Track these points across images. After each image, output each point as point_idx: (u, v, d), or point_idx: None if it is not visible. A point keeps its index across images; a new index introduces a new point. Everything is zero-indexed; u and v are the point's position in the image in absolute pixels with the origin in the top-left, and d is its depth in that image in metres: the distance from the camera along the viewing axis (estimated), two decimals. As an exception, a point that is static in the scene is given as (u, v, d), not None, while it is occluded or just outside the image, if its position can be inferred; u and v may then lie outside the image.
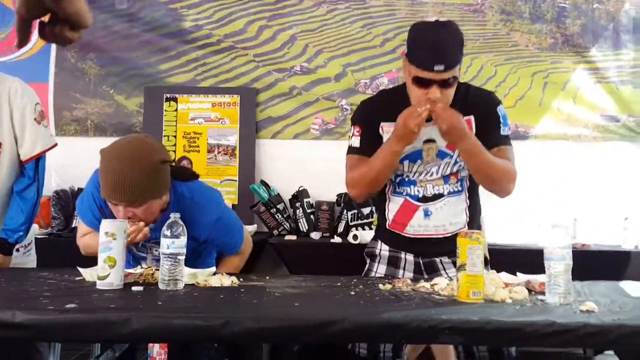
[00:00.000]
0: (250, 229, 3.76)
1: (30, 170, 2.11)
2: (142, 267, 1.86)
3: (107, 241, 1.64)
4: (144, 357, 3.38)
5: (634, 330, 1.30)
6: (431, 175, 1.88)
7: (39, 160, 2.12)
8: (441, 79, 1.73)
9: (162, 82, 4.06)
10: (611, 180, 3.66)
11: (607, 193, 3.64)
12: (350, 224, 3.70)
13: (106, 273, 1.63)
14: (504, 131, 1.89)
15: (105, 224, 1.66)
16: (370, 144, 1.88)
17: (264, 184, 3.90)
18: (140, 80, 4.08)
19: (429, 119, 1.79)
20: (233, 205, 3.91)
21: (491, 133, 1.86)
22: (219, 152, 3.99)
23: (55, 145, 2.21)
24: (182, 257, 1.65)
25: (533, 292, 1.65)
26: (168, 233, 1.64)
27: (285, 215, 3.83)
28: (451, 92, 1.80)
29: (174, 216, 1.66)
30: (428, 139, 1.86)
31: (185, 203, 1.86)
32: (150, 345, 3.32)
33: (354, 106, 3.78)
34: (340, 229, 3.75)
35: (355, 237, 3.44)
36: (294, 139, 4.01)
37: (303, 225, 3.80)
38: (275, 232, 3.79)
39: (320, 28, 3.99)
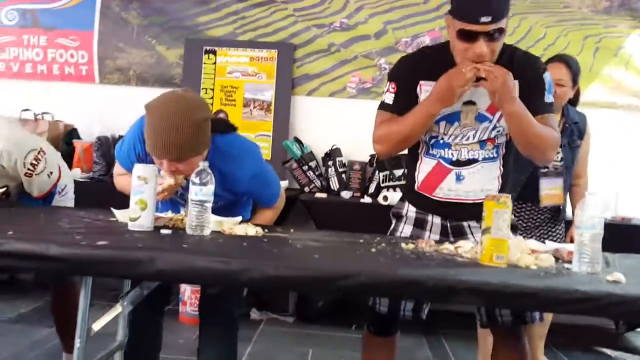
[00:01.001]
0: (282, 184, 3.77)
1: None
2: (173, 213, 1.90)
3: (139, 185, 1.68)
4: (175, 300, 3.52)
5: (659, 303, 1.26)
6: (467, 139, 1.83)
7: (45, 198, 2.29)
8: (487, 31, 1.67)
9: (202, 35, 4.07)
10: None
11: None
12: (382, 185, 3.69)
13: (137, 215, 1.67)
14: (547, 98, 1.82)
15: (138, 168, 1.70)
16: (404, 102, 1.83)
17: (298, 140, 3.91)
18: (181, 31, 4.10)
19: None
20: (266, 160, 3.94)
21: (536, 100, 1.79)
22: (254, 107, 4.00)
23: (57, 181, 2.30)
24: (209, 204, 1.68)
25: (561, 261, 1.62)
26: (197, 180, 1.66)
27: (317, 173, 3.84)
28: (498, 46, 1.72)
29: (203, 164, 1.68)
30: (468, 100, 1.81)
31: (223, 156, 1.87)
32: (182, 290, 3.45)
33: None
34: (371, 189, 3.75)
35: (385, 198, 3.43)
36: (329, 97, 3.99)
37: (334, 184, 3.81)
38: (306, 189, 3.82)
39: (362, -17, 3.90)
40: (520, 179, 2.72)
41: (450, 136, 1.83)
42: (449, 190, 1.86)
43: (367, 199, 3.61)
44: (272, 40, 4.00)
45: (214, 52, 4.03)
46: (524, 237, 2.30)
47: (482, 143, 1.83)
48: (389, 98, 1.87)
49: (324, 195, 3.71)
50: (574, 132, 2.76)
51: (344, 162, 3.86)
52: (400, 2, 3.85)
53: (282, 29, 4.00)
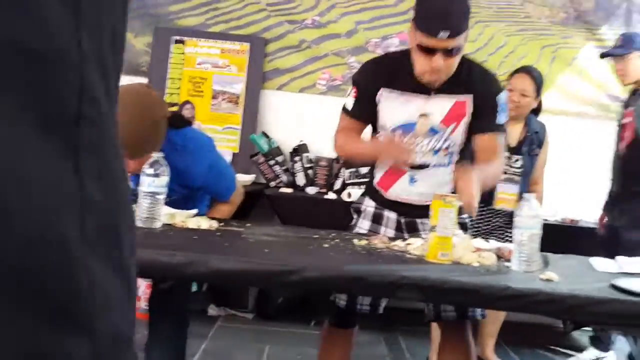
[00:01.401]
0: (248, 178, 3.82)
1: None
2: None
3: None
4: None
5: (587, 300, 1.34)
6: (421, 147, 1.89)
7: None
8: (445, 47, 1.73)
9: (172, 24, 4.05)
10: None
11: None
12: (347, 182, 3.74)
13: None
14: (499, 120, 1.88)
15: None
16: (363, 108, 1.90)
17: (265, 135, 3.93)
18: (150, 19, 4.06)
19: (439, 88, 1.82)
20: (233, 153, 3.96)
21: (486, 118, 1.86)
22: (223, 99, 4.01)
23: None
24: (162, 197, 1.69)
25: (502, 259, 1.69)
26: (150, 171, 1.67)
27: (283, 168, 3.87)
28: (454, 62, 1.79)
29: (157, 155, 1.70)
30: (423, 113, 1.87)
31: (178, 151, 1.88)
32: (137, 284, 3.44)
33: (362, 65, 3.77)
34: (337, 186, 3.79)
35: (349, 194, 3.48)
36: (299, 93, 4.01)
37: (300, 180, 3.84)
38: (272, 183, 3.84)
39: (334, -19, 3.94)
40: None
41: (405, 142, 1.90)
42: (401, 190, 1.92)
43: (331, 195, 3.65)
44: (244, 33, 4.01)
45: (183, 42, 4.02)
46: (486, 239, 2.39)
47: (435, 151, 1.90)
48: (349, 103, 1.95)
49: (289, 190, 3.74)
50: (533, 141, 2.87)
51: (311, 158, 3.89)
52: (371, 3, 3.90)
53: (254, 23, 4.00)
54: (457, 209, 1.60)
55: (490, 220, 2.86)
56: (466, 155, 1.94)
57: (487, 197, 2.80)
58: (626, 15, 3.77)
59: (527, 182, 2.86)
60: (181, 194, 1.94)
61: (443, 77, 1.80)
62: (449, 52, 1.75)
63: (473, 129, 1.87)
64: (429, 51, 1.75)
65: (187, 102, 4.01)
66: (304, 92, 4.01)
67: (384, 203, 1.99)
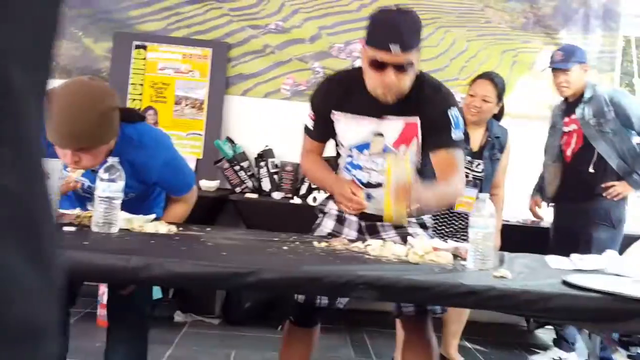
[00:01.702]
0: (213, 184, 3.79)
1: None
2: (80, 210, 1.87)
3: (43, 179, 1.65)
4: (94, 303, 3.44)
5: (538, 296, 1.37)
6: (377, 166, 1.91)
7: None
8: (397, 62, 1.73)
9: (132, 29, 4.01)
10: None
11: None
12: (313, 186, 3.75)
13: (40, 211, 1.64)
14: (454, 134, 1.87)
15: (43, 163, 1.67)
16: (321, 129, 1.97)
17: (230, 140, 3.91)
18: (110, 24, 4.01)
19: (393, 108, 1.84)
20: (197, 159, 3.93)
21: (439, 135, 1.86)
22: (186, 105, 3.97)
23: None
24: (118, 202, 1.67)
25: (459, 258, 1.72)
26: (105, 177, 1.65)
27: (249, 174, 3.85)
28: (406, 78, 1.78)
29: (112, 160, 1.67)
30: (377, 132, 1.89)
31: (134, 146, 1.85)
32: (100, 292, 3.38)
33: (327, 69, 3.79)
34: (303, 191, 3.80)
35: (314, 199, 3.48)
36: (264, 98, 4.01)
37: (266, 185, 3.83)
38: (237, 189, 3.82)
39: (297, -14, 3.96)
40: None
41: (362, 161, 1.94)
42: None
43: (297, 200, 3.65)
44: (206, 39, 3.99)
45: (145, 48, 3.98)
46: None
47: None
48: (309, 123, 2.00)
49: (254, 195, 3.73)
50: (495, 146, 2.93)
51: (276, 163, 3.89)
52: (334, 9, 3.93)
53: (216, 28, 3.99)
54: (408, 160, 1.64)
55: (452, 223, 2.91)
56: (426, 173, 1.93)
57: None
58: (584, 20, 3.89)
59: (488, 185, 2.92)
60: (137, 191, 1.91)
61: (394, 93, 1.79)
62: (400, 68, 1.75)
63: (428, 147, 1.87)
64: (380, 66, 1.75)
65: (149, 107, 3.97)
66: (268, 97, 4.00)
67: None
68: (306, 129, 2.02)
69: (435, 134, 1.86)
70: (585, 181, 3.11)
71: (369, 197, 1.90)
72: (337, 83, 1.97)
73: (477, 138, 2.91)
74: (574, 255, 1.82)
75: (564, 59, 3.07)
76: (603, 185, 3.08)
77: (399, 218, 1.71)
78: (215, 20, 3.98)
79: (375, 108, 1.84)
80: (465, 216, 2.87)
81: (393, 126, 1.87)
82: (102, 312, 3.33)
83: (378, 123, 1.87)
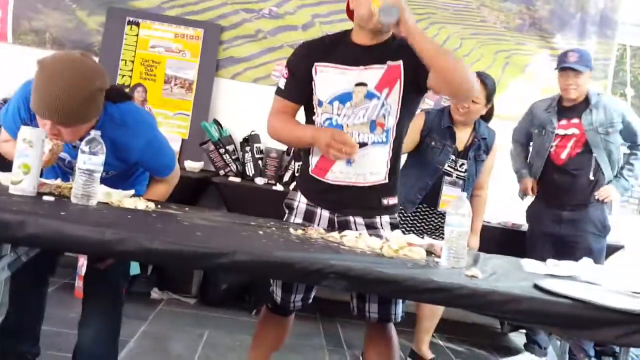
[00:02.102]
0: (197, 165, 3.78)
1: None
2: (62, 181, 1.86)
3: (23, 148, 1.64)
4: (73, 274, 3.43)
5: (505, 297, 1.38)
6: (358, 118, 1.89)
7: None
8: None
9: (126, 5, 3.96)
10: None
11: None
12: (297, 174, 3.74)
13: (19, 179, 1.63)
14: None
15: (24, 131, 1.65)
16: (296, 88, 1.93)
17: (217, 123, 3.89)
18: (104, -1, 3.97)
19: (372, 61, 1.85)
20: (183, 140, 3.91)
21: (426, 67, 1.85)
22: (175, 85, 3.95)
23: None
24: (98, 175, 1.66)
25: (434, 255, 1.73)
26: (86, 149, 1.64)
27: (233, 157, 3.85)
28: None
29: (94, 133, 1.66)
30: (359, 82, 1.89)
31: (115, 124, 1.84)
32: (79, 264, 3.37)
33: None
34: (286, 178, 3.80)
35: (294, 187, 3.48)
36: (253, 83, 3.99)
37: (250, 170, 3.83)
38: (221, 172, 3.81)
39: (294, -27, 3.93)
40: (427, 183, 2.86)
41: (343, 116, 1.89)
42: (339, 172, 1.92)
43: (279, 187, 3.65)
44: (199, 19, 3.95)
45: (137, 24, 3.93)
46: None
47: (372, 125, 1.89)
48: (281, 83, 1.97)
49: (237, 179, 3.72)
50: (481, 147, 2.93)
51: (261, 148, 3.88)
52: (329, -3, 3.91)
53: (210, 9, 3.96)
54: None
55: (432, 220, 2.92)
56: (403, 134, 1.95)
57: (433, 200, 2.87)
58: (580, 26, 3.90)
59: (470, 186, 2.93)
60: (117, 169, 1.90)
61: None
62: None
63: (424, 74, 1.83)
64: None
65: (138, 84, 3.94)
66: (257, 83, 3.99)
67: (316, 197, 1.97)
68: (277, 90, 1.98)
69: (422, 68, 1.83)
70: (582, 187, 3.11)
71: (349, 160, 1.89)
72: (317, 41, 2.01)
73: (463, 137, 2.92)
74: (549, 260, 1.84)
75: (579, 61, 3.04)
76: (596, 192, 3.11)
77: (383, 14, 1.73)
78: (209, 1, 3.95)
79: (358, 58, 1.86)
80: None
81: (375, 72, 1.87)
82: (80, 283, 3.33)
83: (360, 73, 1.87)
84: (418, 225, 2.90)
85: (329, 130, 1.84)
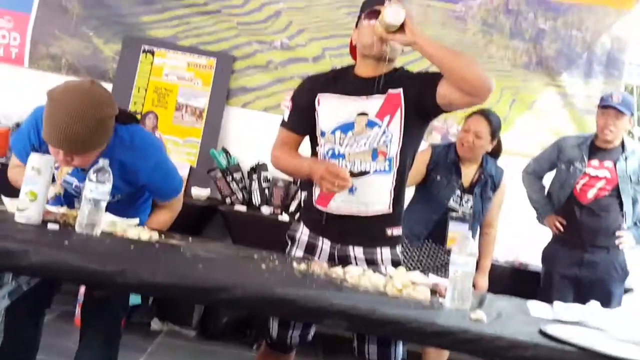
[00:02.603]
0: (204, 192, 3.79)
1: None
2: (67, 208, 1.87)
3: (32, 175, 1.65)
4: (73, 302, 3.41)
5: (511, 343, 1.35)
6: (360, 147, 1.89)
7: None
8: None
9: (143, 34, 4.04)
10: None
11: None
12: (303, 204, 3.73)
13: (25, 206, 1.64)
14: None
15: (33, 158, 1.67)
16: (299, 119, 1.97)
17: (225, 151, 3.91)
18: (121, 27, 4.04)
19: (369, 92, 1.87)
20: (191, 167, 3.93)
21: (430, 80, 1.85)
22: (186, 112, 3.99)
23: None
24: (104, 204, 1.67)
25: (438, 295, 1.71)
26: (93, 178, 1.65)
27: (240, 186, 3.85)
28: (397, 36, 1.80)
29: (103, 162, 1.67)
30: (361, 112, 1.90)
31: (125, 146, 1.86)
32: (80, 291, 3.35)
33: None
34: (292, 208, 3.79)
35: (297, 218, 3.47)
36: (263, 112, 4.02)
37: (256, 198, 3.83)
38: (227, 200, 3.82)
39: (306, 8, 4.00)
40: (432, 217, 2.83)
41: (345, 146, 1.90)
42: (342, 201, 1.91)
43: (285, 217, 3.64)
44: (213, 50, 4.01)
45: (152, 53, 4.00)
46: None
47: (374, 153, 1.89)
48: (285, 115, 2.01)
49: (243, 208, 3.72)
50: (487, 184, 2.90)
51: (268, 177, 3.89)
52: (340, 31, 3.96)
53: (223, 40, 4.02)
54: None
55: (439, 257, 2.88)
56: (407, 164, 1.95)
57: (441, 236, 2.82)
58: (587, 65, 3.91)
59: (477, 223, 2.90)
60: (124, 192, 1.91)
61: (388, 49, 1.84)
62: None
63: (431, 89, 1.83)
64: (375, 15, 1.82)
65: (150, 112, 3.98)
66: (267, 112, 4.02)
67: (319, 227, 1.97)
68: (282, 121, 2.02)
69: (428, 82, 1.86)
70: (606, 229, 3.04)
71: (351, 189, 1.88)
72: (324, 74, 2.06)
73: (469, 174, 2.90)
74: (557, 303, 1.80)
75: (623, 104, 3.00)
76: (617, 233, 3.04)
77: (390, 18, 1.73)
78: (223, 32, 4.01)
79: (360, 89, 1.89)
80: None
81: (376, 101, 1.89)
82: (79, 311, 3.29)
83: (362, 102, 1.89)
84: (424, 261, 2.87)
85: (325, 163, 1.85)
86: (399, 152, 1.91)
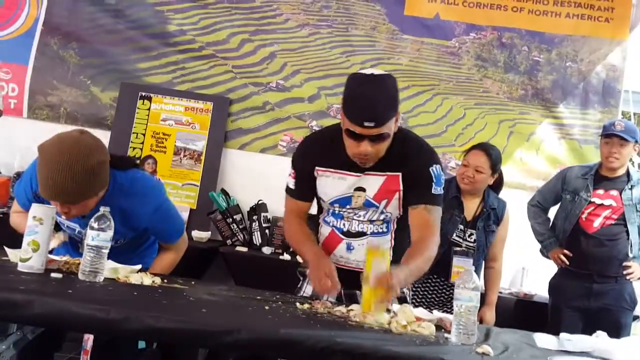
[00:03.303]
0: (204, 235, 3.78)
1: None
2: (70, 256, 1.88)
3: (33, 225, 1.66)
4: (78, 349, 3.36)
5: (517, 377, 1.34)
6: (358, 217, 1.94)
7: None
8: (372, 134, 1.76)
9: (139, 80, 4.11)
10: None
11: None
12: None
13: (28, 256, 1.65)
14: (435, 190, 1.90)
15: (35, 209, 1.68)
16: (303, 188, 1.97)
17: (225, 192, 3.93)
18: (118, 75, 4.12)
19: (363, 168, 1.87)
20: (191, 209, 3.94)
21: (420, 191, 1.88)
22: (184, 156, 4.02)
23: None
24: (106, 251, 1.67)
25: (443, 330, 1.70)
26: (95, 225, 1.66)
27: (241, 227, 3.85)
28: (383, 146, 1.82)
29: (104, 209, 1.69)
30: (358, 187, 1.91)
31: (124, 192, 1.87)
32: (85, 338, 3.31)
33: (324, 129, 3.86)
34: (293, 247, 3.78)
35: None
36: (260, 153, 4.06)
37: (257, 239, 3.83)
38: (228, 241, 3.81)
39: (300, 49, 4.08)
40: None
41: (343, 212, 1.94)
42: (340, 257, 1.95)
43: (286, 256, 3.63)
44: (209, 93, 4.08)
45: (150, 99, 4.06)
46: (430, 310, 2.33)
47: (371, 220, 1.93)
48: (291, 183, 2.01)
49: (244, 249, 3.72)
50: (490, 217, 2.89)
51: (269, 217, 3.89)
52: (335, 71, 4.04)
53: (219, 83, 4.09)
54: (389, 260, 1.63)
55: (444, 292, 2.86)
56: (407, 224, 1.94)
57: (445, 270, 2.80)
58: (583, 96, 3.96)
59: (480, 257, 2.88)
60: (126, 237, 1.91)
61: (371, 160, 1.83)
62: (376, 139, 1.77)
63: (408, 202, 1.89)
64: (356, 137, 1.77)
65: (149, 156, 4.02)
66: (265, 153, 4.06)
67: None
68: (287, 189, 2.01)
69: (417, 190, 1.87)
70: (614, 259, 3.02)
71: (349, 247, 1.91)
72: (318, 141, 2.00)
73: (471, 208, 2.89)
74: (563, 335, 1.79)
75: (626, 131, 3.00)
76: (624, 264, 3.02)
77: (378, 310, 1.66)
78: (218, 76, 4.09)
79: (356, 164, 1.86)
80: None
81: (374, 180, 1.89)
82: (85, 358, 3.25)
83: (359, 178, 1.88)
84: (429, 297, 2.85)
85: (327, 266, 1.83)
86: (397, 220, 1.94)
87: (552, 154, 3.94)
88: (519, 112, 3.96)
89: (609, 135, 3.05)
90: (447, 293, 2.85)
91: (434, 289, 2.86)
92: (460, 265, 2.78)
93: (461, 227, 2.85)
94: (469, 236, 2.86)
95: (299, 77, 4.06)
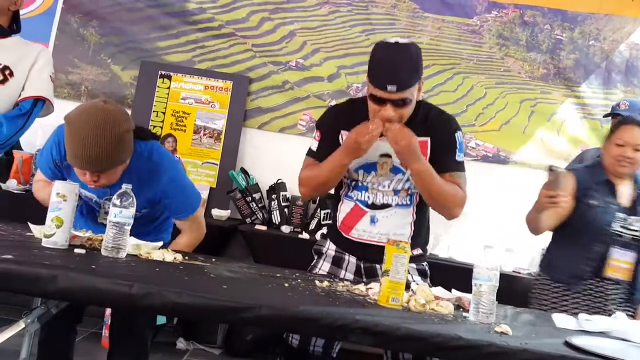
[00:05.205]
0: (224, 213, 3.82)
1: (27, 105, 2.37)
2: (92, 232, 1.91)
3: (57, 201, 1.69)
4: (100, 324, 3.44)
5: (536, 356, 1.34)
6: (383, 187, 1.93)
7: (36, 103, 2.39)
8: (394, 98, 1.78)
9: (159, 59, 4.12)
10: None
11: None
12: (322, 222, 3.75)
13: (52, 232, 1.68)
14: (458, 157, 1.92)
15: (58, 185, 1.71)
16: (326, 150, 1.94)
17: (244, 171, 3.95)
18: (138, 54, 4.13)
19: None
20: (211, 188, 3.97)
21: (446, 157, 1.90)
22: (204, 135, 4.04)
23: (51, 112, 2.50)
24: (128, 227, 1.70)
25: (462, 309, 1.70)
26: (117, 202, 1.68)
27: (260, 205, 3.88)
28: (406, 111, 1.83)
29: (126, 187, 1.71)
30: (384, 153, 1.91)
31: (143, 160, 1.91)
32: (107, 313, 3.39)
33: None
34: (312, 226, 3.80)
35: (323, 235, 3.48)
36: (279, 132, 4.06)
37: (276, 217, 3.85)
38: (247, 220, 3.84)
39: (320, 27, 4.05)
40: (594, 250, 2.44)
41: (368, 182, 1.94)
42: (363, 231, 1.94)
43: (305, 235, 3.65)
44: (229, 71, 4.08)
45: (169, 77, 4.08)
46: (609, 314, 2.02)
47: (396, 191, 1.93)
48: (313, 145, 2.00)
49: (264, 227, 3.74)
50: None
51: (287, 196, 3.91)
52: (355, 50, 4.00)
53: (239, 62, 4.08)
54: (409, 255, 1.63)
55: (603, 292, 2.46)
56: (425, 201, 1.95)
57: (596, 265, 2.44)
58: (605, 75, 3.89)
59: None
60: (143, 210, 1.94)
61: (395, 125, 1.83)
62: (399, 103, 1.79)
63: (449, 154, 1.89)
64: (379, 101, 1.80)
65: (169, 135, 4.04)
66: (284, 132, 4.06)
67: (345, 246, 2.00)
68: (309, 151, 2.00)
69: (441, 156, 1.89)
70: None
71: (372, 220, 1.92)
72: (348, 106, 2.03)
73: (625, 192, 2.48)
74: (582, 315, 1.79)
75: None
76: None
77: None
78: (238, 55, 4.08)
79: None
80: (620, 285, 2.44)
81: None
82: (107, 333, 3.33)
83: (385, 143, 1.87)
84: (592, 303, 2.46)
85: (353, 132, 1.84)
86: (419, 194, 1.93)
87: (574, 134, 3.88)
88: (540, 92, 3.90)
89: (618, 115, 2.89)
90: (604, 292, 2.45)
91: (596, 292, 2.47)
92: (619, 258, 2.42)
93: (621, 215, 2.44)
94: (630, 224, 2.45)
95: (318, 56, 4.03)
